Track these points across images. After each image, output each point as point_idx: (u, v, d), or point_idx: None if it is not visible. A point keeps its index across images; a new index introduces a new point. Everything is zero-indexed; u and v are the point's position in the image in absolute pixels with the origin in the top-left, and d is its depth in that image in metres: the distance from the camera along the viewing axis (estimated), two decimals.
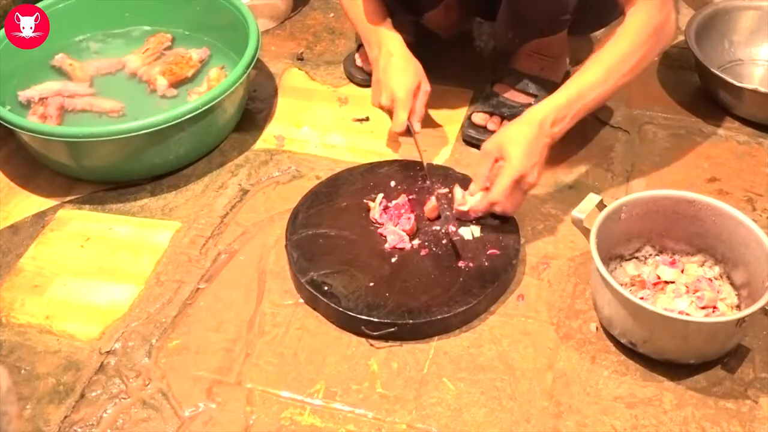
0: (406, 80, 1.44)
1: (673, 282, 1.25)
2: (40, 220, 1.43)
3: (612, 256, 1.27)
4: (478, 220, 1.33)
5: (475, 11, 1.71)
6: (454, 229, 1.31)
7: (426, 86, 1.47)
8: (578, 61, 1.66)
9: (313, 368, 1.19)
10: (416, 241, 1.32)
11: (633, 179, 1.47)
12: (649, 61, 1.34)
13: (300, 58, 1.78)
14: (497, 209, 1.31)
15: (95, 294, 1.31)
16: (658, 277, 1.26)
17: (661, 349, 1.16)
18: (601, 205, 1.22)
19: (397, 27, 1.56)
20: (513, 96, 1.55)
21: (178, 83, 1.64)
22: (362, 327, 1.21)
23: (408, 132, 1.45)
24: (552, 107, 1.29)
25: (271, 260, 1.34)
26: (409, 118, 1.44)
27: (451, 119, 1.59)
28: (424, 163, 1.42)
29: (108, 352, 1.22)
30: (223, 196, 1.47)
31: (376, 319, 1.21)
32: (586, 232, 1.20)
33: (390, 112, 1.47)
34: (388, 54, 1.46)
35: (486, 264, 1.28)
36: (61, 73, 1.67)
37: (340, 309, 1.22)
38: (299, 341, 1.23)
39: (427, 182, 1.38)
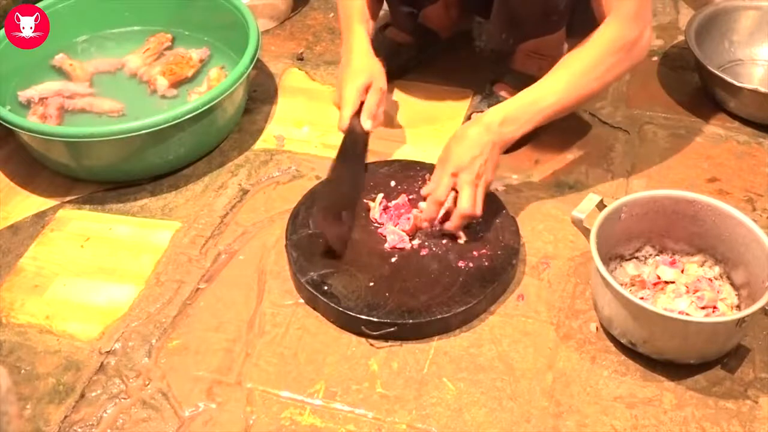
0: (356, 78, 1.40)
1: (673, 282, 1.25)
2: (40, 220, 1.43)
3: (612, 256, 1.27)
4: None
5: (474, 9, 1.70)
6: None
7: (379, 84, 1.42)
8: None
9: (313, 368, 1.19)
10: (416, 241, 1.32)
11: (633, 179, 1.47)
12: (617, 76, 1.32)
13: (300, 58, 1.78)
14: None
15: (95, 294, 1.31)
16: (658, 277, 1.26)
17: (661, 349, 1.16)
18: (601, 205, 1.22)
19: (397, 26, 1.56)
20: (512, 96, 1.54)
21: (178, 83, 1.64)
22: (362, 327, 1.21)
23: (359, 130, 1.40)
24: (501, 109, 1.29)
25: (271, 260, 1.34)
26: (359, 116, 1.40)
27: (451, 118, 1.59)
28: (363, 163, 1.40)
29: (108, 352, 1.22)
30: (223, 196, 1.47)
31: (376, 319, 1.21)
32: (586, 232, 1.20)
33: None
34: (348, 52, 1.44)
35: (486, 264, 1.28)
36: (61, 73, 1.67)
37: (340, 309, 1.22)
38: (299, 341, 1.23)
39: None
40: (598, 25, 1.33)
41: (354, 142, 1.40)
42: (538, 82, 1.31)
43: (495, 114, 1.28)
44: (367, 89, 1.41)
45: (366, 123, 1.41)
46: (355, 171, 1.40)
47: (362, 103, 1.41)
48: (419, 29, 1.66)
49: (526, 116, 1.28)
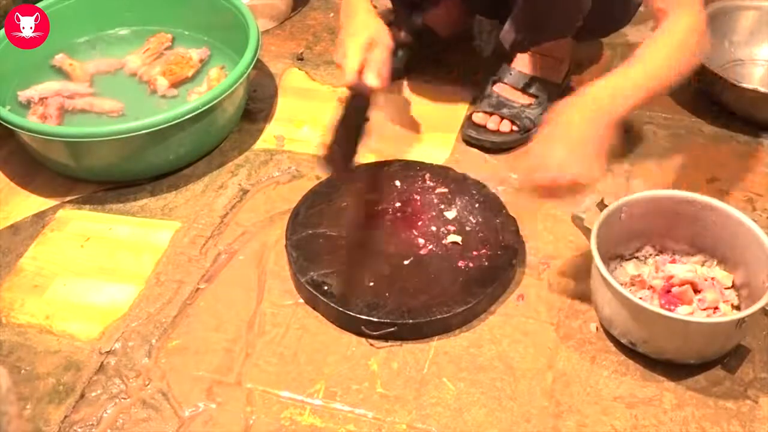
0: (358, 35, 1.33)
1: None
2: (40, 220, 1.43)
3: (612, 256, 1.27)
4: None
5: (477, 9, 1.70)
6: None
7: (384, 41, 1.34)
8: (578, 63, 1.67)
9: (313, 368, 1.19)
10: (421, 241, 1.32)
11: (633, 179, 1.47)
12: (691, 65, 1.25)
13: (300, 58, 1.78)
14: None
15: (95, 294, 1.31)
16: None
17: (661, 349, 1.16)
18: (601, 205, 1.22)
19: (397, 25, 1.56)
20: (513, 96, 1.55)
21: (178, 83, 1.64)
22: (362, 327, 1.21)
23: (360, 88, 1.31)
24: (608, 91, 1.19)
25: (271, 260, 1.34)
26: (363, 73, 1.31)
27: (451, 119, 1.59)
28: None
29: (108, 352, 1.22)
30: (223, 196, 1.47)
31: (376, 319, 1.21)
32: (586, 232, 1.20)
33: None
34: (349, 15, 1.37)
35: (486, 264, 1.28)
36: (61, 73, 1.67)
37: (340, 309, 1.22)
38: (299, 341, 1.23)
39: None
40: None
41: (358, 102, 1.33)
42: (626, 66, 1.22)
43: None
44: (370, 46, 1.32)
45: (371, 79, 1.30)
46: (357, 130, 1.33)
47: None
48: (419, 29, 1.66)
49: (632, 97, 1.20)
